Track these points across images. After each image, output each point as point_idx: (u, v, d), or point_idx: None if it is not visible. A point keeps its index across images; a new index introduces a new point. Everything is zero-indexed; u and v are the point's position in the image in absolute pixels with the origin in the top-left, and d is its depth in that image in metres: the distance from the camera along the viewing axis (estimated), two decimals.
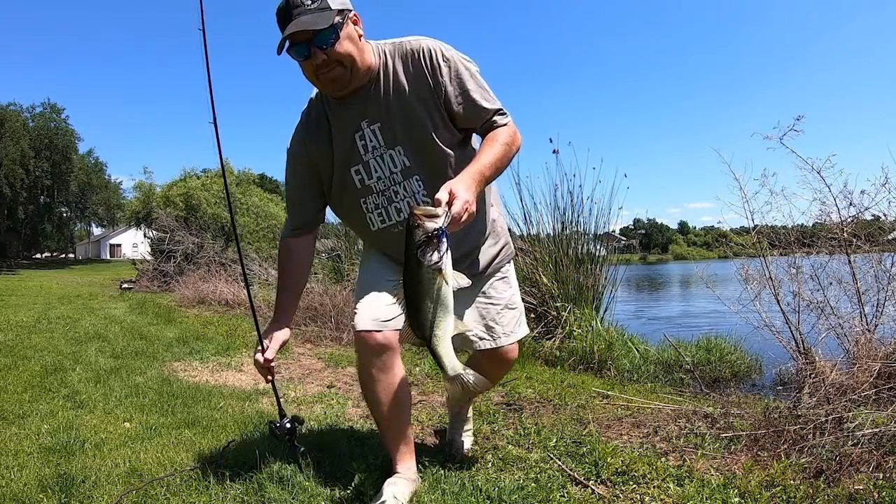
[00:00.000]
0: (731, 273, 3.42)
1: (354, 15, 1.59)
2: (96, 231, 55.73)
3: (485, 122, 1.63)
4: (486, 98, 1.62)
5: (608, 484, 1.82)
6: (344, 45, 1.54)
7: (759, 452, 2.04)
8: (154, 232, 14.21)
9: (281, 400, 1.97)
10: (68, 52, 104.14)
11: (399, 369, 1.69)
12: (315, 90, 1.74)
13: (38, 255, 44.35)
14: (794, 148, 2.86)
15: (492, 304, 1.87)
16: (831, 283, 2.90)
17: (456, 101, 1.61)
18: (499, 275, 1.90)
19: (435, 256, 1.28)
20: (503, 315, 1.88)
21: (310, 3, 1.50)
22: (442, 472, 1.84)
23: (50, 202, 39.60)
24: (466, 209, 1.34)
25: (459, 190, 1.35)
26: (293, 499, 1.64)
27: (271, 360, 1.74)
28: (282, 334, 1.78)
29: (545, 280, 4.58)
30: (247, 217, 14.23)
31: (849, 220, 2.90)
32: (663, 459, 2.01)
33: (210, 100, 1.83)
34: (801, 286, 2.91)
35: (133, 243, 36.64)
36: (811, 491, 1.67)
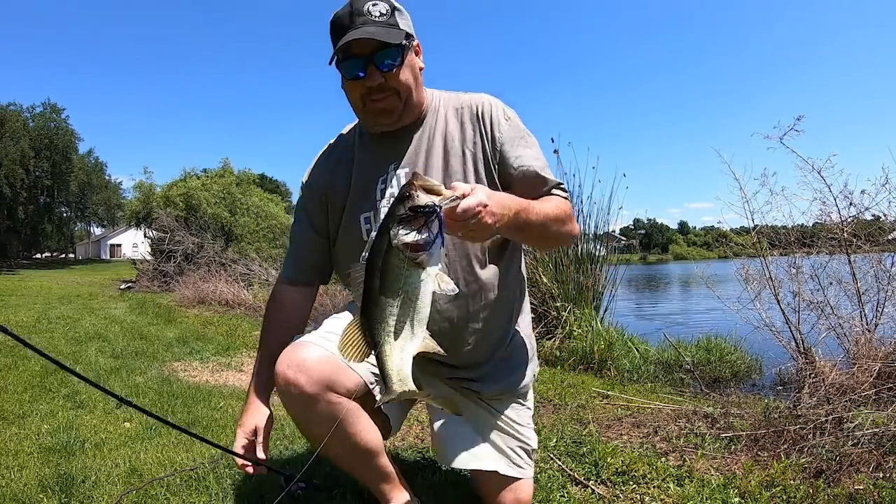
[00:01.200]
0: (731, 273, 3.42)
1: (418, 45, 1.39)
2: (96, 231, 55.84)
3: (543, 194, 1.38)
4: (545, 170, 1.40)
5: (608, 484, 1.82)
6: (405, 73, 1.33)
7: (759, 452, 2.04)
8: (154, 232, 14.22)
9: (287, 467, 1.76)
10: (68, 53, 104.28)
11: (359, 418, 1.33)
12: (348, 126, 1.53)
13: (38, 255, 44.38)
14: (794, 148, 2.87)
15: (509, 430, 1.51)
16: (831, 283, 2.90)
17: (514, 165, 1.38)
18: (520, 399, 1.55)
19: (411, 236, 0.94)
20: (522, 446, 1.52)
21: (377, 14, 1.28)
22: (442, 472, 1.83)
23: (50, 202, 39.63)
24: (480, 212, 1.04)
25: (482, 192, 1.06)
26: (293, 499, 1.64)
27: (265, 457, 1.40)
28: (266, 421, 1.43)
29: (545, 280, 4.58)
30: (247, 217, 14.25)
31: (849, 220, 2.90)
32: (663, 459, 2.01)
33: None
34: (801, 286, 2.91)
35: (133, 243, 36.67)
36: (811, 491, 1.67)
